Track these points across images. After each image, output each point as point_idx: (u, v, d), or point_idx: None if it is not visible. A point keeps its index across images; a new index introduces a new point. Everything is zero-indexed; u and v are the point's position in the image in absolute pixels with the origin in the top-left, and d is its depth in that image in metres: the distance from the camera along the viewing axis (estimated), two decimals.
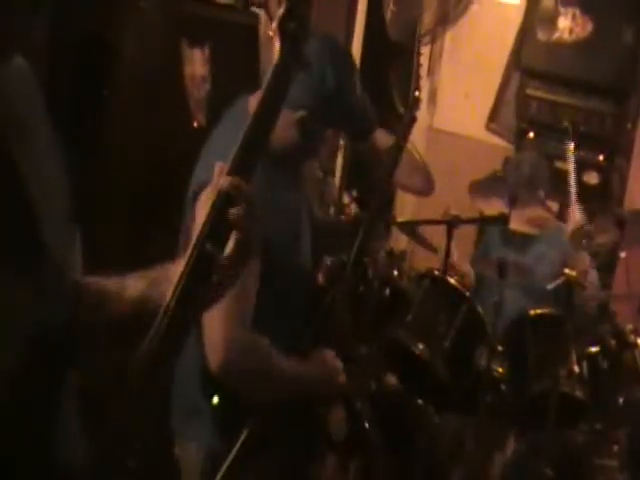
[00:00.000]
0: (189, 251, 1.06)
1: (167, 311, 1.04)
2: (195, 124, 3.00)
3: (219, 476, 2.03)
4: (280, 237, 2.08)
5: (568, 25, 4.99)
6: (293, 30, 1.12)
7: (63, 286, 0.97)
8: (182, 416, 2.20)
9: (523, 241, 3.85)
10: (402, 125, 2.58)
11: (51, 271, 0.95)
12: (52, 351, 0.95)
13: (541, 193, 3.88)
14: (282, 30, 1.12)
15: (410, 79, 2.62)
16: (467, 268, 3.86)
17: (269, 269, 2.00)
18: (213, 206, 1.08)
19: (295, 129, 2.12)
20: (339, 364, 2.23)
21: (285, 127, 2.09)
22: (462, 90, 5.17)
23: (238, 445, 2.04)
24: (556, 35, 5.01)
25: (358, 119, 2.23)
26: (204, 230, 1.07)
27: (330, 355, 2.22)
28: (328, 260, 2.67)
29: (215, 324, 1.92)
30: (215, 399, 2.05)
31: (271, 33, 3.30)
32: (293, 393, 2.15)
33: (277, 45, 1.14)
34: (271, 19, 3.28)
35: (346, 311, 2.34)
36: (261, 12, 3.39)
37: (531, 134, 5.03)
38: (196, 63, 3.00)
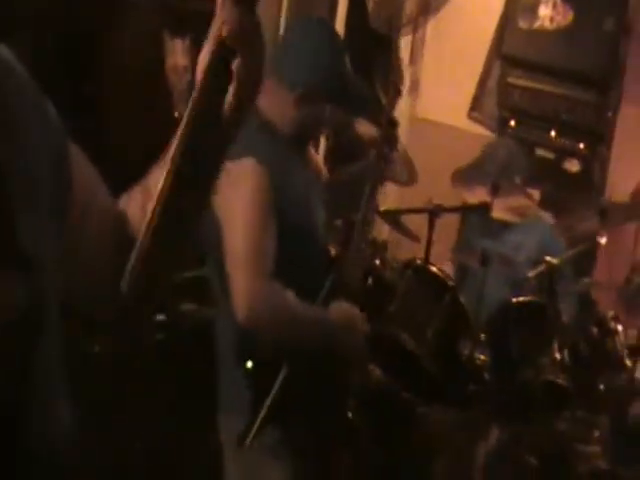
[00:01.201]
0: (188, 109, 1.01)
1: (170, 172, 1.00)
2: (176, 114, 3.00)
3: (252, 433, 2.09)
4: (293, 201, 2.24)
5: (549, 13, 5.00)
6: None
7: (37, 270, 0.96)
8: (226, 398, 2.32)
9: (501, 230, 3.87)
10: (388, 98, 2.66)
11: (22, 255, 0.94)
12: (18, 334, 0.94)
13: (518, 180, 3.89)
14: None
15: (391, 69, 2.68)
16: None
17: (284, 230, 2.16)
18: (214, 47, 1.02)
19: (295, 107, 2.26)
20: (359, 313, 2.34)
21: (285, 106, 2.25)
22: (444, 79, 5.17)
23: (269, 401, 2.12)
24: (537, 23, 5.02)
25: (353, 93, 2.36)
26: (206, 78, 1.01)
27: (349, 305, 2.33)
28: (339, 221, 2.75)
29: (238, 278, 2.11)
30: (249, 364, 2.12)
31: None
32: (319, 338, 2.25)
33: None
34: None
35: (357, 270, 2.43)
36: None
37: (513, 122, 5.04)
38: (177, 53, 3.01)
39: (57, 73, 2.78)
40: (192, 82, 3.14)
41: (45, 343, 0.99)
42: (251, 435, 2.13)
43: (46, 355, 0.99)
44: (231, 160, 1.96)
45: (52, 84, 2.80)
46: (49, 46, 2.80)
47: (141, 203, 1.19)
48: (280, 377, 2.15)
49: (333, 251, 2.49)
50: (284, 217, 2.17)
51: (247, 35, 1.03)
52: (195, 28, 3.09)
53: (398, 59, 2.67)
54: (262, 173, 2.13)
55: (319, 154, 4.69)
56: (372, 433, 2.63)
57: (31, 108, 1.05)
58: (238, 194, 2.10)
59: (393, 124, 2.66)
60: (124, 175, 2.83)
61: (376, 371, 3.35)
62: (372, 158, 2.72)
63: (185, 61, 3.01)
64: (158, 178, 1.12)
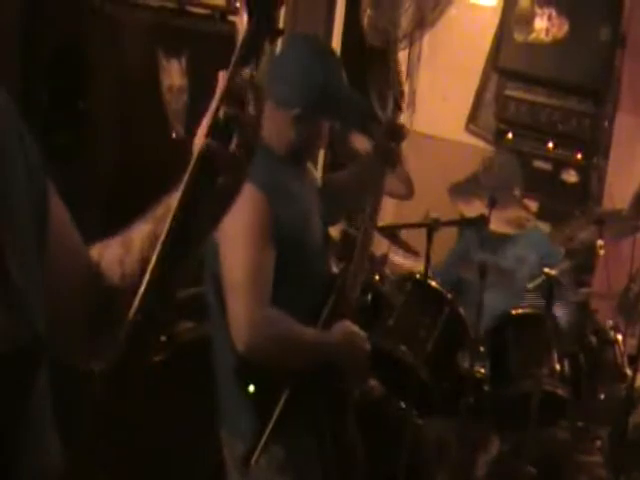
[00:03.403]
0: (191, 164, 1.02)
1: (172, 222, 1.00)
2: (174, 135, 3.01)
3: (256, 454, 2.11)
4: (293, 223, 2.22)
5: (544, 26, 5.04)
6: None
7: (29, 303, 0.98)
8: (228, 417, 2.31)
9: (502, 243, 3.88)
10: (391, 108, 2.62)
11: (15, 289, 0.96)
12: (19, 363, 0.95)
13: (517, 193, 3.91)
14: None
15: (388, 83, 2.67)
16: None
17: (285, 253, 2.15)
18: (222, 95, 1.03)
19: (292, 127, 2.24)
20: (361, 332, 2.32)
21: (283, 127, 2.23)
22: (441, 93, 5.20)
23: (273, 420, 2.14)
24: (533, 36, 5.05)
25: (349, 108, 2.35)
26: (209, 130, 1.02)
27: (351, 324, 2.31)
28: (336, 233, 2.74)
29: (237, 306, 2.09)
30: (251, 387, 2.13)
31: (238, 4, 3.30)
32: (320, 362, 2.25)
33: (244, 16, 1.08)
34: None
35: (359, 286, 2.42)
36: (238, 22, 3.39)
37: (510, 134, 5.07)
38: (173, 74, 3.01)
39: (52, 94, 2.81)
40: (188, 102, 3.10)
41: (41, 377, 1.01)
42: (255, 456, 2.12)
43: (40, 388, 1.01)
44: None
45: (47, 106, 2.82)
46: (44, 67, 2.81)
47: (119, 257, 1.20)
48: (283, 397, 2.15)
49: (335, 267, 2.48)
50: (285, 239, 2.16)
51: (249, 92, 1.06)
52: (191, 48, 3.11)
53: (398, 74, 2.65)
54: (261, 198, 2.11)
55: (317, 169, 4.72)
56: (370, 446, 2.64)
57: (16, 142, 1.06)
58: (237, 220, 2.07)
59: (400, 137, 2.60)
60: (121, 194, 2.85)
61: (375, 384, 3.37)
62: (369, 167, 2.67)
63: (181, 81, 3.02)
64: (142, 234, 1.17)
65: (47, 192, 1.11)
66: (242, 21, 1.10)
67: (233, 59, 1.07)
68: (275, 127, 2.23)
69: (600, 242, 3.57)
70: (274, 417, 2.14)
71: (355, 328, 2.32)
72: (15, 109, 1.08)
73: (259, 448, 2.11)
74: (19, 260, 0.98)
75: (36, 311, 0.99)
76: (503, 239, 3.87)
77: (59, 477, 0.97)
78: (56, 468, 1.00)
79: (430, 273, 3.43)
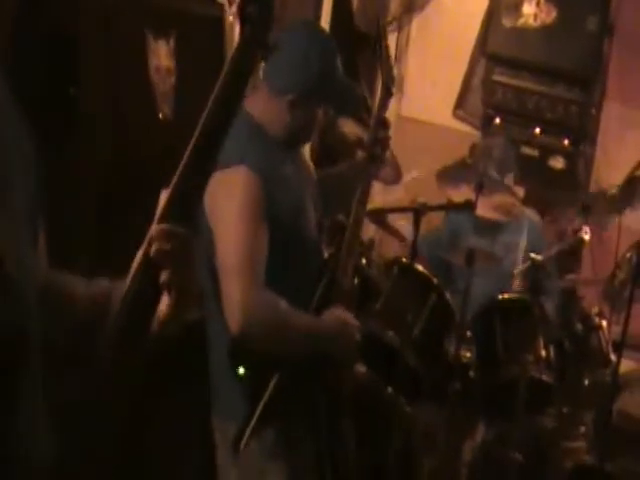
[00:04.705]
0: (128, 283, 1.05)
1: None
2: (161, 116, 2.99)
3: (246, 437, 2.12)
4: (287, 206, 2.23)
5: (533, 11, 5.03)
6: (254, 13, 1.06)
7: (23, 296, 0.97)
8: (221, 402, 2.31)
9: (492, 229, 3.88)
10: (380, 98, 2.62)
11: (9, 283, 0.95)
12: (10, 354, 0.95)
13: (509, 178, 3.91)
14: (242, 14, 1.06)
15: (377, 69, 2.67)
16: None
17: (279, 237, 2.16)
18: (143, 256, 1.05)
19: (287, 112, 2.26)
20: (353, 320, 2.33)
21: (278, 112, 2.25)
22: (429, 77, 5.18)
23: (261, 405, 2.14)
24: (521, 21, 5.04)
25: (344, 95, 2.37)
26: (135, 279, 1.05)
27: (343, 312, 2.32)
28: (326, 221, 2.76)
29: (231, 289, 2.09)
30: (241, 370, 2.14)
31: (231, 18, 3.29)
32: (312, 347, 2.25)
33: (237, 30, 1.09)
34: (230, 3, 3.29)
35: (350, 271, 2.42)
36: (226, 3, 3.37)
37: (497, 120, 5.07)
38: (161, 55, 3.00)
39: (40, 76, 2.78)
40: (176, 84, 3.09)
41: (33, 372, 1.00)
42: (244, 439, 2.13)
43: (33, 386, 1.01)
44: (224, 168, 1.98)
45: (36, 87, 2.80)
46: (32, 48, 2.79)
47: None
48: (273, 380, 2.16)
49: (326, 253, 2.48)
50: (278, 222, 2.16)
51: (175, 253, 1.03)
52: (179, 29, 3.09)
53: (388, 59, 2.66)
54: (255, 181, 2.12)
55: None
56: (357, 431, 2.64)
57: (13, 128, 1.06)
58: (231, 203, 2.09)
59: (385, 125, 2.62)
60: (109, 175, 2.83)
61: (362, 369, 3.37)
62: (361, 158, 2.70)
63: (169, 62, 3.00)
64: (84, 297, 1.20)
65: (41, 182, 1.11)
66: (235, 35, 1.09)
67: (223, 73, 1.05)
68: (270, 111, 2.25)
69: (585, 227, 3.59)
70: (263, 400, 2.14)
71: (347, 315, 2.31)
72: (9, 91, 1.07)
73: (249, 430, 2.12)
74: (15, 250, 0.97)
75: (29, 302, 0.98)
76: (492, 226, 3.88)
77: (54, 474, 0.97)
78: (50, 465, 0.99)
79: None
